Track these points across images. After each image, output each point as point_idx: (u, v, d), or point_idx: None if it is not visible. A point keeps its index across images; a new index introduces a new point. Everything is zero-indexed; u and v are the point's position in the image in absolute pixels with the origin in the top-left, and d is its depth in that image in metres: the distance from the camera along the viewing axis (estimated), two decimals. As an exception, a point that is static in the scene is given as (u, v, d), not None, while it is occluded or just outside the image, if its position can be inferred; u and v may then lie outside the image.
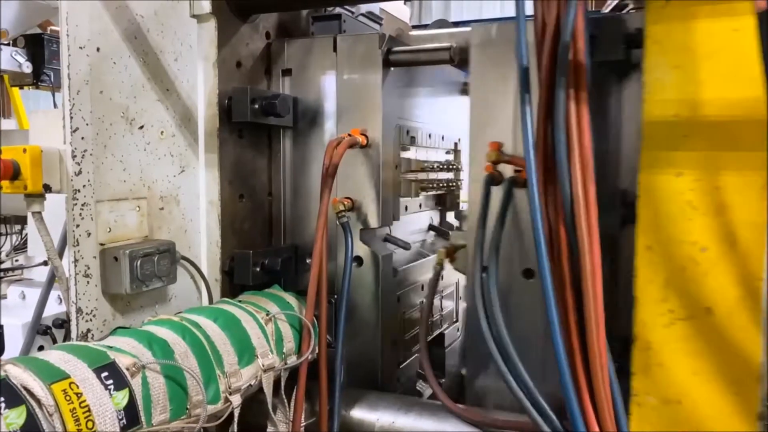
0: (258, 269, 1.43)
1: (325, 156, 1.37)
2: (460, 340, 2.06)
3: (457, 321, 2.02)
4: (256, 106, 1.40)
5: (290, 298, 1.40)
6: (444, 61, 1.45)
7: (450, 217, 2.05)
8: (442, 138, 1.82)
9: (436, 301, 1.84)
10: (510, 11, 2.20)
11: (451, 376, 1.95)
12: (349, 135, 1.43)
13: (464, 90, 2.02)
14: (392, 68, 1.47)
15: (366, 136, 1.45)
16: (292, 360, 1.32)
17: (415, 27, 2.45)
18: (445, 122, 1.86)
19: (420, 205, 1.79)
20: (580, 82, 0.91)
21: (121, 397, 0.91)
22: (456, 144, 1.94)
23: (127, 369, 0.94)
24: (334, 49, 1.49)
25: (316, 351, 1.37)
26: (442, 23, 2.40)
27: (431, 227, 1.93)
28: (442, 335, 1.88)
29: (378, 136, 1.45)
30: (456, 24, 2.46)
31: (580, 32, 0.94)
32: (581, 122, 0.90)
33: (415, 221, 1.82)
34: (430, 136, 1.73)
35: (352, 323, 1.48)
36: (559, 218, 0.93)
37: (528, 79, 0.97)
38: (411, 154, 1.63)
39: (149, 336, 1.04)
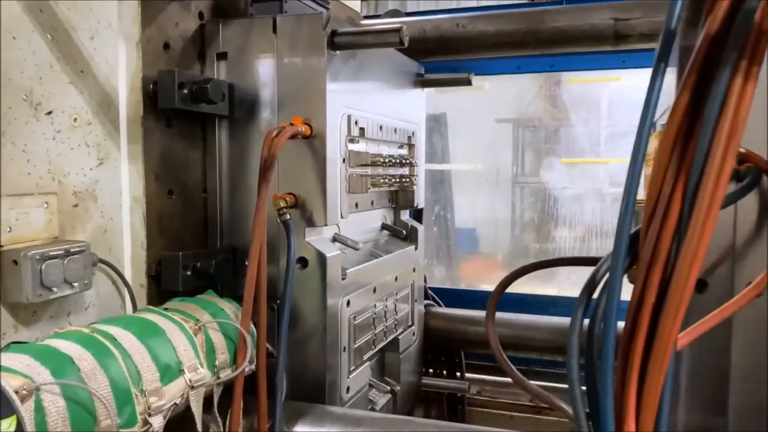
0: (189, 273, 1.29)
1: (263, 147, 1.24)
2: (416, 344, 1.95)
3: (412, 325, 1.91)
4: (185, 92, 1.26)
5: (225, 305, 1.26)
6: (393, 44, 1.33)
7: (405, 215, 1.94)
8: (395, 131, 1.71)
9: (390, 305, 1.73)
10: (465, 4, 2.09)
11: (406, 384, 1.84)
12: (291, 124, 1.30)
13: (418, 82, 1.92)
14: (338, 52, 1.35)
15: (310, 126, 1.32)
16: (226, 373, 1.18)
17: (367, 18, 2.34)
18: (398, 115, 1.75)
19: (372, 203, 1.68)
20: (756, 53, 0.78)
21: (6, 426, 0.76)
22: (410, 138, 1.83)
23: (16, 392, 0.80)
24: (274, 31, 1.36)
25: (255, 363, 1.24)
26: (395, 13, 2.30)
27: (384, 226, 1.81)
28: (396, 340, 1.77)
29: (323, 126, 1.32)
30: (410, 15, 2.36)
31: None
32: (742, 100, 0.76)
33: (367, 220, 1.70)
34: (381, 128, 1.61)
35: (296, 330, 1.36)
36: (677, 189, 0.80)
37: (670, 45, 0.84)
38: (360, 146, 1.51)
39: (49, 351, 0.90)
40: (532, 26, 1.89)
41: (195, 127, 1.40)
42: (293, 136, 1.29)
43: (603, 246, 2.80)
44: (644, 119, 0.82)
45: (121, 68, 1.23)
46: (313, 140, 1.33)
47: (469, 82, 1.90)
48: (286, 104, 1.36)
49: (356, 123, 1.46)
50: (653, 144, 1.36)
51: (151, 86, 1.26)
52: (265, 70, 1.37)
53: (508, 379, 2.18)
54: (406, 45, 1.32)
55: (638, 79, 2.28)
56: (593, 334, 0.87)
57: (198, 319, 1.16)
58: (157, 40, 1.29)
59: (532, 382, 1.29)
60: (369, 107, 1.54)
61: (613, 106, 2.68)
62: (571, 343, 0.87)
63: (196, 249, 1.35)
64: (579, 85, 2.69)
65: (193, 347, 1.10)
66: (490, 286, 3.61)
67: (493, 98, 3.39)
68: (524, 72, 2.34)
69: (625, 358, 0.82)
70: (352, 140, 1.46)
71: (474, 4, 2.07)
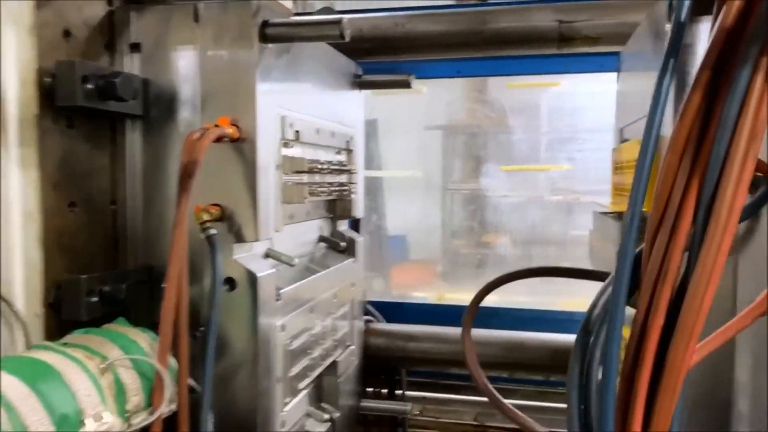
0: (95, 299, 1.10)
1: (184, 151, 1.08)
2: (356, 364, 1.81)
3: (351, 344, 1.77)
4: (90, 87, 1.08)
5: (139, 336, 1.08)
6: (333, 38, 1.19)
7: (343, 226, 1.80)
8: (332, 135, 1.57)
9: (329, 324, 1.58)
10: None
11: (345, 409, 1.70)
12: (216, 126, 1.14)
13: (356, 83, 1.79)
14: (270, 45, 1.20)
15: (238, 128, 1.16)
16: (141, 418, 1.00)
17: (297, 16, 2.19)
18: (336, 118, 1.61)
19: (308, 213, 1.53)
20: None
21: None
22: (348, 143, 1.69)
23: None
24: (196, 20, 1.19)
25: (175, 403, 1.07)
26: (328, 11, 2.16)
27: (321, 238, 1.67)
28: (335, 363, 1.62)
29: (253, 127, 1.17)
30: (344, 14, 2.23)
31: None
32: (762, 102, 0.65)
33: (303, 232, 1.55)
34: (318, 131, 1.47)
35: (223, 362, 1.19)
36: (689, 199, 0.69)
37: (680, 39, 0.73)
38: (295, 151, 1.36)
39: None
40: (474, 27, 1.80)
41: (102, 128, 1.21)
42: (218, 139, 1.13)
43: (545, 254, 2.76)
44: (650, 126, 0.72)
45: (10, 58, 1.03)
46: (241, 143, 1.17)
47: (408, 85, 1.79)
48: (210, 103, 1.19)
49: (291, 125, 1.31)
50: (628, 152, 1.28)
51: (48, 80, 1.07)
52: (185, 64, 1.21)
53: (451, 396, 2.10)
54: (348, 39, 1.19)
55: (578, 84, 2.26)
56: (591, 365, 0.76)
57: (105, 356, 0.98)
58: (55, 26, 1.10)
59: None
60: (304, 108, 1.40)
61: (552, 112, 2.66)
62: (570, 385, 0.76)
63: (103, 270, 1.16)
64: (518, 91, 2.64)
65: (97, 390, 0.92)
66: (422, 294, 3.52)
67: (427, 104, 3.31)
68: (464, 76, 2.26)
69: (628, 389, 0.71)
70: (286, 144, 1.31)
71: (407, 4, 1.94)
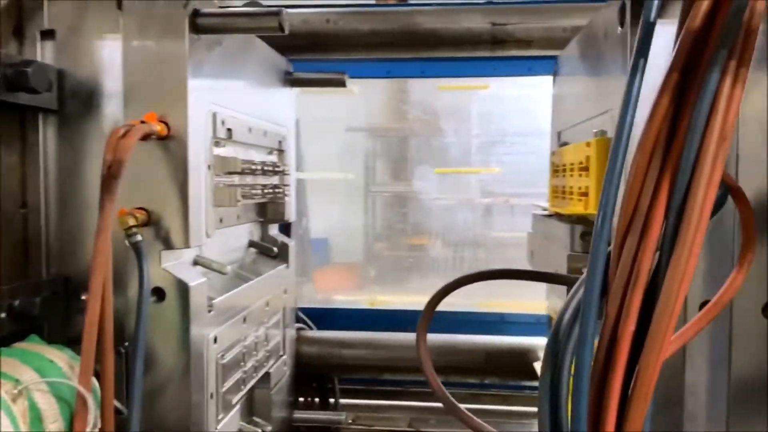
0: (3, 315, 0.98)
1: (107, 150, 0.98)
2: (288, 374, 1.74)
3: (284, 354, 1.70)
4: (-4, 76, 0.96)
5: (56, 355, 0.97)
6: (271, 30, 1.12)
7: (273, 230, 1.72)
8: (265, 134, 1.49)
9: (261, 334, 1.50)
10: None
11: (278, 422, 1.62)
12: (143, 122, 1.05)
13: (287, 81, 1.72)
14: (201, 36, 1.11)
15: (166, 125, 1.07)
16: (59, 447, 0.89)
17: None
18: (267, 116, 1.53)
19: (238, 217, 1.44)
20: (745, 54, 0.67)
21: None
22: (280, 143, 1.62)
23: None
24: (119, 6, 1.09)
25: (98, 426, 0.97)
26: (254, 4, 2.07)
27: (252, 243, 1.58)
28: (267, 374, 1.54)
29: (184, 124, 1.08)
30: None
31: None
32: (731, 104, 0.65)
33: (232, 237, 1.46)
34: (250, 130, 1.39)
35: (152, 379, 1.09)
36: (659, 201, 0.66)
37: (650, 38, 0.70)
38: (228, 151, 1.27)
39: None
40: (406, 27, 1.77)
41: (10, 123, 1.08)
42: (145, 137, 1.04)
43: (476, 256, 2.78)
44: (621, 128, 0.70)
45: None
46: (170, 142, 1.08)
47: (343, 84, 1.73)
48: (134, 97, 1.09)
49: (223, 123, 1.22)
50: (569, 155, 1.28)
51: (-55, 67, 0.94)
52: (106, 55, 1.10)
53: (385, 402, 2.06)
54: (287, 31, 1.12)
55: (505, 88, 2.28)
56: (560, 371, 0.73)
57: (17, 379, 0.86)
58: (-48, 6, 0.97)
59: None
60: (236, 105, 1.31)
61: (482, 115, 2.68)
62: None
63: (12, 282, 1.04)
64: (447, 94, 2.64)
65: (10, 419, 0.81)
66: (344, 297, 3.47)
67: (350, 105, 3.27)
68: (394, 77, 2.23)
69: (600, 392, 0.69)
70: (217, 143, 1.22)
71: (336, 2, 1.90)
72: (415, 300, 2.86)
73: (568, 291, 1.14)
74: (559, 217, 1.34)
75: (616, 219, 0.72)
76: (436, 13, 1.79)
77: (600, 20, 1.13)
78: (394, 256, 3.43)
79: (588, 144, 1.11)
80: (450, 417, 1.88)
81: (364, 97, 3.16)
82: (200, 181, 1.14)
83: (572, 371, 0.74)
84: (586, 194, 1.12)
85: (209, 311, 1.18)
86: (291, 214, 1.70)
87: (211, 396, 1.19)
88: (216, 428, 1.21)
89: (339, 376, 1.92)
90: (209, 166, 1.18)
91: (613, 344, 0.71)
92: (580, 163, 1.15)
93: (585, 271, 1.00)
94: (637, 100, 0.71)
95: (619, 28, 1.00)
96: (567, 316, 0.74)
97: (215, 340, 1.20)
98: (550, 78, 1.72)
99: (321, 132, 3.25)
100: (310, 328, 1.95)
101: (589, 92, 1.25)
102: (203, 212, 1.16)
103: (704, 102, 0.68)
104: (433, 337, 1.87)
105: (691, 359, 0.90)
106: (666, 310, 0.68)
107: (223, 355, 1.24)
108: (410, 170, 3.00)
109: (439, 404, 1.90)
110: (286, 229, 1.86)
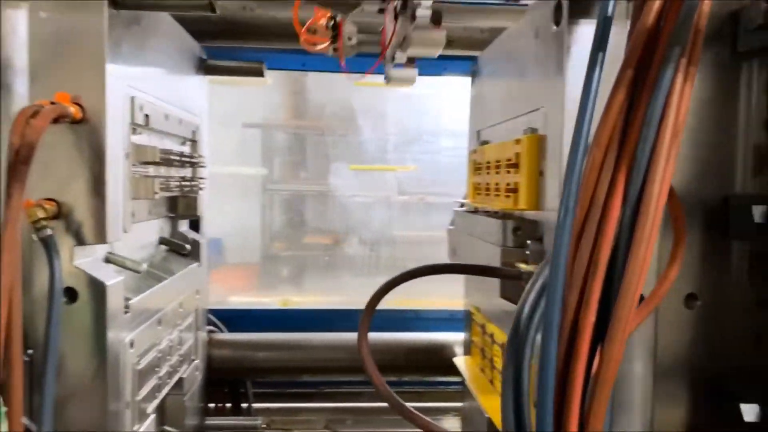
0: None
1: (13, 132, 0.87)
2: (200, 379, 1.64)
3: (196, 359, 1.60)
4: None
5: (-50, 366, 0.84)
6: (201, 9, 1.05)
7: (183, 226, 1.62)
8: (180, 122, 1.39)
9: (175, 338, 1.40)
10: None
11: (190, 430, 1.53)
12: (53, 103, 0.94)
13: (201, 68, 1.62)
14: (122, 12, 1.02)
15: (81, 106, 0.97)
16: (-42, 472, 0.78)
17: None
18: (182, 104, 1.43)
19: (149, 211, 1.33)
20: (694, 52, 0.69)
21: None
22: (194, 133, 1.52)
23: None
24: (24, -28, 0.97)
25: (2, 446, 0.85)
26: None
27: (163, 240, 1.47)
28: (181, 380, 1.44)
29: (101, 107, 0.98)
30: None
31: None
32: (682, 101, 0.66)
33: (143, 233, 1.35)
34: (166, 117, 1.29)
35: (62, 388, 0.98)
36: (615, 194, 0.66)
37: (607, 33, 0.71)
38: (144, 139, 1.18)
39: None
40: (325, 18, 1.73)
41: None
42: (58, 119, 0.93)
43: (391, 253, 2.76)
44: (581, 122, 0.71)
45: None
46: (85, 126, 0.98)
47: (261, 73, 1.67)
48: (42, 74, 0.97)
49: (141, 108, 1.13)
50: (493, 153, 1.29)
51: None
52: (8, 27, 0.97)
53: (300, 405, 2.00)
54: (218, 11, 1.05)
55: (423, 86, 2.28)
56: (521, 363, 0.72)
57: None
58: None
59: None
60: (153, 90, 1.22)
61: (399, 113, 2.67)
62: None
63: None
64: (366, 90, 2.61)
65: None
66: (240, 298, 3.35)
67: (247, 99, 3.16)
68: (309, 70, 2.17)
69: (561, 388, 0.69)
70: (135, 130, 1.12)
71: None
72: (330, 300, 2.82)
73: (502, 285, 1.16)
74: (486, 213, 1.35)
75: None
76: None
77: (530, 20, 1.15)
78: (298, 256, 3.36)
79: (518, 141, 1.12)
80: (367, 416, 1.88)
81: (277, 91, 3.07)
82: (118, 171, 1.04)
83: (532, 363, 0.74)
84: (515, 190, 1.13)
85: (126, 313, 1.08)
86: (203, 209, 1.61)
87: (127, 405, 1.09)
88: (132, 439, 1.11)
89: (252, 380, 1.84)
90: (127, 155, 1.08)
91: (574, 335, 0.71)
92: (509, 159, 1.17)
93: (527, 265, 1.02)
94: (596, 94, 0.72)
95: (554, 27, 1.02)
96: (526, 309, 0.74)
97: (132, 345, 1.10)
98: (464, 78, 1.75)
99: (224, 126, 3.12)
100: (221, 331, 1.85)
101: (515, 91, 1.27)
102: (120, 205, 1.06)
103: (659, 98, 0.70)
104: (352, 336, 1.85)
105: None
106: (626, 301, 0.69)
107: (138, 361, 1.14)
108: (325, 167, 2.94)
109: (356, 404, 1.89)
110: (195, 225, 1.75)
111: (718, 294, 0.95)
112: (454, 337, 1.78)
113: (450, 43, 1.75)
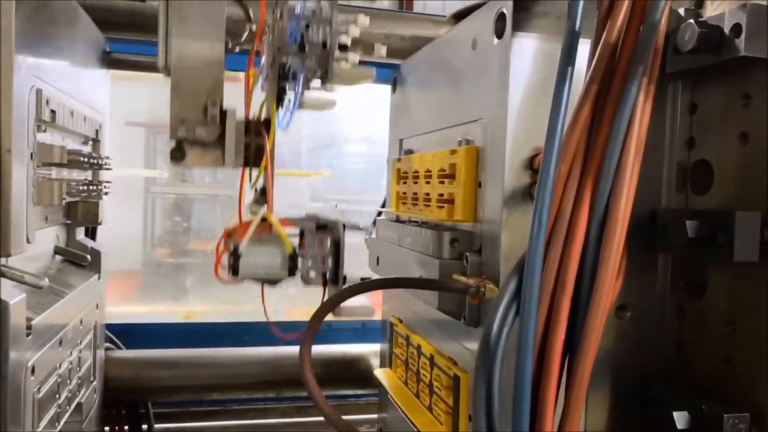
0: None
1: None
2: (97, 402, 1.49)
3: (94, 380, 1.45)
4: None
5: None
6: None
7: (80, 234, 1.47)
8: (84, 120, 1.26)
9: (75, 359, 1.26)
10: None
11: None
12: (-52, 93, 0.80)
13: (104, 60, 1.48)
14: (29, -7, 0.89)
15: (-18, 99, 0.84)
16: None
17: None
18: (85, 99, 1.30)
19: (46, 218, 1.19)
20: (653, 71, 0.71)
21: None
22: (97, 132, 1.38)
23: None
24: None
25: None
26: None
27: (59, 250, 1.32)
28: (79, 405, 1.30)
29: (8, 99, 0.85)
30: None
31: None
32: (644, 117, 0.68)
33: (37, 242, 1.20)
34: (72, 114, 1.16)
35: (-50, 427, 0.84)
36: (581, 208, 0.63)
37: (575, 47, 0.70)
38: (49, 137, 1.04)
39: None
40: (238, 14, 1.64)
41: None
42: (-47, 113, 0.80)
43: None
44: (552, 135, 0.70)
45: None
46: (-16, 121, 0.85)
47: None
48: (-68, 60, 0.84)
49: (47, 102, 1.00)
50: (419, 163, 1.27)
51: None
52: None
53: (203, 424, 1.88)
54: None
55: (339, 92, 2.24)
56: (492, 381, 0.70)
57: None
58: None
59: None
60: (58, 83, 1.08)
61: (314, 118, 2.59)
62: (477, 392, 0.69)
63: None
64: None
65: None
66: (127, 308, 3.13)
67: (132, 98, 2.97)
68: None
69: (533, 404, 0.68)
70: (40, 127, 0.99)
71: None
72: (224, 309, 2.69)
73: (441, 298, 1.14)
74: (414, 223, 1.33)
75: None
76: (271, 4, 1.69)
77: (465, 30, 1.15)
78: (169, 263, 3.19)
79: (453, 152, 1.12)
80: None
81: (143, 89, 2.90)
82: (22, 173, 0.91)
83: (499, 380, 0.73)
84: (451, 201, 1.13)
85: (28, 335, 0.95)
86: (103, 216, 1.47)
87: (27, 440, 0.96)
88: (33, 477, 0.98)
89: (154, 400, 1.70)
90: (32, 154, 0.95)
91: (544, 351, 0.71)
92: (442, 170, 1.16)
93: (466, 278, 1.00)
94: (567, 108, 0.73)
95: (496, 39, 1.02)
96: (495, 325, 0.73)
97: (32, 371, 0.97)
98: (381, 86, 1.73)
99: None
100: (118, 348, 1.70)
101: (448, 101, 1.26)
102: (24, 212, 0.93)
103: (624, 113, 0.72)
104: (260, 351, 1.77)
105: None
106: (597, 313, 0.70)
107: (39, 388, 1.01)
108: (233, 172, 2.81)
109: (264, 420, 1.80)
110: (91, 233, 1.60)
111: (645, 304, 1.00)
112: (372, 348, 1.75)
113: (370, 49, 1.73)
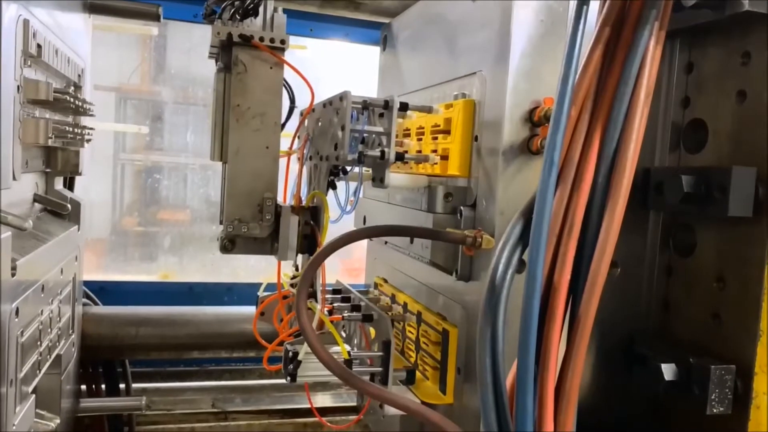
0: None
1: None
2: (75, 357, 1.46)
3: (72, 334, 1.41)
4: None
5: None
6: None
7: (59, 184, 1.42)
8: (68, 62, 1.21)
9: (55, 309, 1.23)
10: None
11: (66, 414, 1.36)
12: (-66, 14, 0.76)
13: (85, 5, 1.43)
14: None
15: (-31, 23, 0.80)
16: None
17: None
18: (68, 41, 1.25)
19: (26, 163, 1.15)
20: (665, 16, 0.70)
21: None
22: (80, 77, 1.33)
23: None
24: None
25: None
26: None
27: (38, 198, 1.28)
28: (58, 357, 1.27)
29: (-5, 25, 0.81)
30: None
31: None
32: (654, 63, 0.67)
33: (16, 188, 1.16)
34: (57, 53, 1.11)
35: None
36: (590, 153, 0.62)
37: None
38: (33, 73, 1.00)
39: None
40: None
41: None
42: (-61, 35, 0.76)
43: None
44: (566, 76, 0.69)
45: None
46: (-29, 48, 0.81)
47: (157, 18, 1.50)
48: None
49: (35, 35, 0.96)
50: (414, 120, 1.26)
51: None
52: None
53: (182, 384, 1.86)
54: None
55: (325, 52, 2.19)
56: (497, 322, 0.70)
57: None
58: None
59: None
60: (44, 18, 1.04)
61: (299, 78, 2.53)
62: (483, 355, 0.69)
63: None
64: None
65: None
66: (97, 276, 3.08)
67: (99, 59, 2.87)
68: (202, 23, 2.00)
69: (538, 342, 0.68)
70: (27, 61, 0.95)
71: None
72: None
73: (433, 252, 1.13)
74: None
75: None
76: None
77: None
78: (138, 231, 3.13)
79: (449, 106, 1.11)
80: (256, 394, 1.78)
81: (136, 53, 2.80)
82: (8, 108, 0.87)
83: (503, 321, 0.73)
84: (445, 157, 1.12)
85: (13, 275, 0.91)
86: (85, 166, 1.43)
87: (11, 383, 0.93)
88: (14, 424, 0.95)
89: (131, 358, 1.67)
90: (18, 87, 0.91)
91: (548, 293, 0.71)
92: (436, 125, 1.15)
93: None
94: (581, 47, 0.72)
95: None
96: (500, 268, 0.72)
97: (17, 312, 0.94)
98: (366, 46, 1.71)
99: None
100: (95, 304, 1.66)
101: (443, 57, 1.25)
102: (11, 148, 0.89)
103: (635, 57, 0.72)
104: (241, 310, 1.75)
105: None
106: (603, 257, 0.70)
107: (22, 332, 0.98)
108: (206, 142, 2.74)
109: (243, 382, 1.79)
110: (69, 184, 1.55)
111: (634, 261, 1.01)
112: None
113: (359, 6, 1.71)
